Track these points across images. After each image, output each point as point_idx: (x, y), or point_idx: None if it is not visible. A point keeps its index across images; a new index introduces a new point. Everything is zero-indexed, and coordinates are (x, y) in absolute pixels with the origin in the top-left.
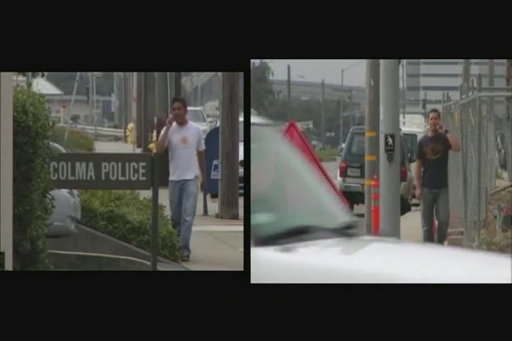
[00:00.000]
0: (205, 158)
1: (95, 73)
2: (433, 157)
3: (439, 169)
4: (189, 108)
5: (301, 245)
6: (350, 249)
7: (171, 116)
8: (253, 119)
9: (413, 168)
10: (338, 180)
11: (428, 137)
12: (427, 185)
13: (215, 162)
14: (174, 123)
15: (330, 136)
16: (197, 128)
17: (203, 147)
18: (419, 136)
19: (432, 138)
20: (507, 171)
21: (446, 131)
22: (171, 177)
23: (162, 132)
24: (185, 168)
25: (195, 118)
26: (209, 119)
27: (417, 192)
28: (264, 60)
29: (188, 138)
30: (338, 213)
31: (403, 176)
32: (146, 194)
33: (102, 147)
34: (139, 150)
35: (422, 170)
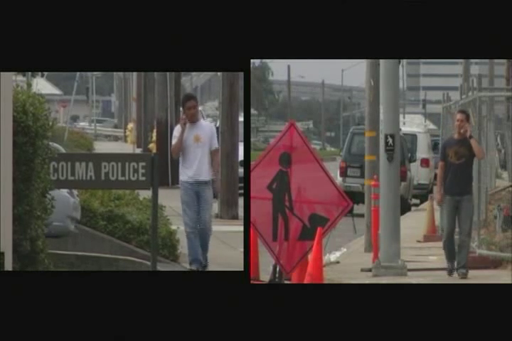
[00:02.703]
0: None
1: (95, 73)
2: (456, 161)
3: (462, 175)
4: None
5: None
6: None
7: (183, 116)
8: None
9: (437, 171)
10: (338, 180)
11: (453, 139)
12: (449, 192)
13: None
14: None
15: (330, 136)
16: (210, 126)
17: (216, 145)
18: (419, 136)
19: (458, 140)
20: (507, 171)
21: (471, 137)
22: (184, 178)
23: (175, 133)
24: (200, 168)
25: None
26: (209, 119)
27: (437, 197)
28: (264, 60)
29: (201, 136)
30: None
31: (403, 176)
32: (145, 194)
33: (101, 147)
34: (138, 150)
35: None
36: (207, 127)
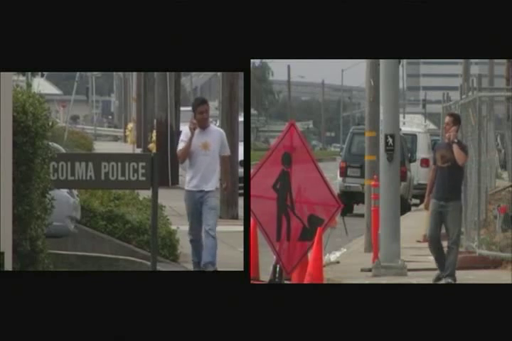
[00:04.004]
0: None
1: (95, 73)
2: (442, 165)
3: (448, 179)
4: (189, 108)
5: None
6: None
7: (194, 121)
8: None
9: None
10: (338, 180)
11: (443, 143)
12: (435, 196)
13: None
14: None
15: (330, 136)
16: (219, 132)
17: (228, 152)
18: (419, 136)
19: (446, 144)
20: (507, 171)
21: (453, 142)
22: (188, 187)
23: (183, 137)
24: (206, 177)
25: None
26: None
27: (425, 200)
28: (264, 60)
29: (209, 143)
30: None
31: (403, 176)
32: (145, 194)
33: (101, 147)
34: (138, 151)
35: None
36: (216, 134)
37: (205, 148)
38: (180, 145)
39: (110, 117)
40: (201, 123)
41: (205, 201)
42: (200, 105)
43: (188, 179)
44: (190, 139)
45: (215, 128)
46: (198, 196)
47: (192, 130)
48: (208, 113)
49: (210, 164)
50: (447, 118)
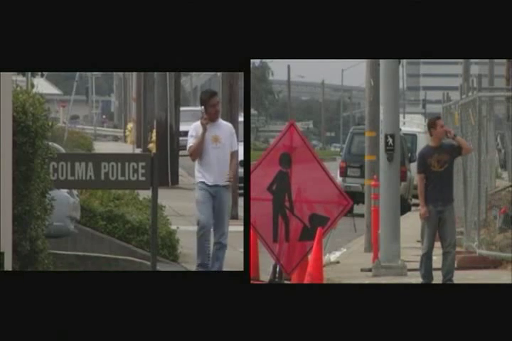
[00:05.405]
0: None
1: (95, 73)
2: (439, 169)
3: (447, 182)
4: (189, 108)
5: None
6: None
7: (205, 115)
8: None
9: (417, 183)
10: (338, 180)
11: (431, 147)
12: (432, 202)
13: None
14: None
15: (330, 136)
16: (229, 126)
17: (236, 147)
18: (419, 136)
19: (436, 148)
20: (507, 171)
21: (455, 136)
22: (201, 179)
23: (193, 133)
24: (219, 171)
25: (195, 119)
26: None
27: (422, 210)
28: (264, 60)
29: (219, 136)
30: None
31: (403, 176)
32: (145, 194)
33: (101, 147)
34: (138, 151)
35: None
36: (226, 127)
37: (216, 141)
38: (191, 141)
39: (104, 117)
40: (214, 116)
41: (219, 197)
42: (211, 97)
43: (200, 174)
44: (203, 134)
45: (224, 123)
46: (212, 190)
47: (205, 125)
48: (219, 105)
49: (221, 158)
50: (440, 121)
